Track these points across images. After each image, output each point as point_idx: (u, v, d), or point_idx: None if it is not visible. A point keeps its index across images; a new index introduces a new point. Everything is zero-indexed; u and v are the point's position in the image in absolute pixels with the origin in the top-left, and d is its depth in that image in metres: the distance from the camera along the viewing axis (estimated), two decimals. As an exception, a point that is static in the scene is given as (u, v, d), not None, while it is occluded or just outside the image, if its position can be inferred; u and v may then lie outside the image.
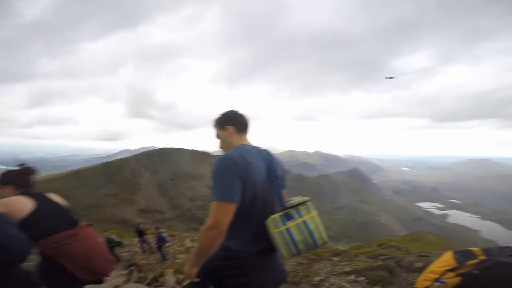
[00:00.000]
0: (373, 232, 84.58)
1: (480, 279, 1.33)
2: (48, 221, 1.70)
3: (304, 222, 1.47)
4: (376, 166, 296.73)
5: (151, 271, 6.73)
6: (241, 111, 1.76)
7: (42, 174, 63.33)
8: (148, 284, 5.63)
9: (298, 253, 1.46)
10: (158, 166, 79.91)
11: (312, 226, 1.47)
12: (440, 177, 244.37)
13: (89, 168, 71.80)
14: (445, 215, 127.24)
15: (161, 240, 9.37)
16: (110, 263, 2.02)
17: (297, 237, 1.43)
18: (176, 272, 6.06)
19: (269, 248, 1.50)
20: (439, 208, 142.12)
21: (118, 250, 9.51)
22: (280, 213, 1.48)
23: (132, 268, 6.91)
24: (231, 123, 1.68)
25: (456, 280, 1.40)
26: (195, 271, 1.46)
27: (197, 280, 1.50)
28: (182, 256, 9.99)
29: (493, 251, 1.41)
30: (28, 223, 1.60)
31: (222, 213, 1.34)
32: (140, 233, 10.42)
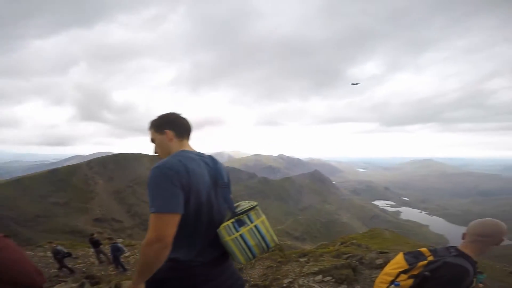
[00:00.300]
0: (335, 230, 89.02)
1: (430, 280, 1.42)
2: None
3: (256, 227, 1.47)
4: (334, 167, 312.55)
5: (107, 283, 6.30)
6: (183, 114, 1.61)
7: (-26, 183, 55.57)
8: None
9: (254, 257, 1.47)
10: (113, 173, 74.92)
11: (263, 230, 1.48)
12: (391, 177, 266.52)
13: (33, 175, 64.65)
14: (398, 212, 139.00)
15: (116, 250, 8.92)
16: (38, 273, 1.78)
17: (251, 242, 1.43)
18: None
19: (221, 256, 1.48)
20: (392, 206, 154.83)
21: (69, 262, 9.01)
22: (232, 220, 1.44)
23: (83, 280, 6.45)
24: (171, 126, 1.54)
25: (409, 282, 1.49)
26: (141, 287, 1.34)
27: None
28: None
29: (439, 252, 1.53)
30: None
31: (165, 225, 1.24)
32: (95, 244, 9.66)
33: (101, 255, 9.95)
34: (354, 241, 11.57)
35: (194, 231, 1.38)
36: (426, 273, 1.44)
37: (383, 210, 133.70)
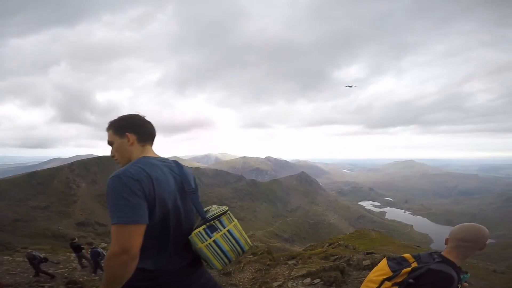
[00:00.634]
0: (323, 231, 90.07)
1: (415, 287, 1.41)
2: None
3: (229, 231, 1.45)
4: (320, 169, 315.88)
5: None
6: (147, 117, 1.53)
7: None
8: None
9: (230, 262, 1.45)
10: (96, 176, 72.68)
11: (236, 234, 1.46)
12: (375, 178, 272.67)
13: (11, 178, 61.70)
14: (383, 212, 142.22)
15: (97, 256, 8.69)
16: None
17: (226, 247, 1.41)
18: None
19: (193, 263, 1.46)
20: (377, 206, 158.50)
21: (50, 267, 8.74)
22: (204, 226, 1.41)
23: (65, 286, 6.22)
24: (133, 130, 1.45)
25: None
26: None
27: None
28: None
29: (423, 258, 1.51)
30: None
31: (129, 237, 1.19)
32: (76, 249, 9.31)
33: (84, 260, 9.64)
34: (342, 242, 11.73)
35: (162, 239, 1.34)
36: (410, 280, 1.42)
37: (369, 211, 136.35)
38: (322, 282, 5.64)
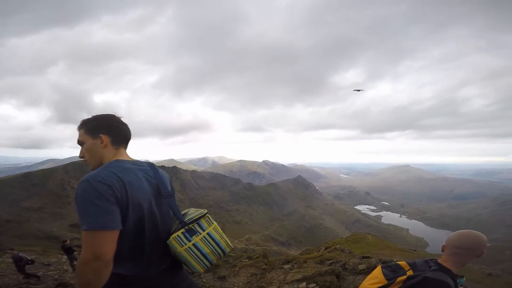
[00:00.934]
0: (320, 235, 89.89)
1: None
2: None
3: (209, 234, 1.41)
4: (317, 173, 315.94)
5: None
6: (122, 118, 1.44)
7: None
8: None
9: (211, 264, 1.43)
10: (93, 177, 72.36)
11: (217, 237, 1.43)
12: (371, 182, 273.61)
13: (4, 178, 60.97)
14: (379, 216, 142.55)
15: None
16: None
17: (206, 250, 1.38)
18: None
19: (172, 267, 1.43)
20: (373, 210, 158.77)
21: (41, 269, 8.66)
22: (182, 230, 1.37)
23: None
24: (108, 131, 1.37)
25: None
26: None
27: None
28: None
29: (418, 266, 1.46)
30: None
31: (100, 243, 1.19)
32: (68, 251, 9.14)
33: (75, 262, 9.47)
34: (338, 246, 11.65)
35: (137, 244, 1.29)
36: None
37: (365, 215, 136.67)
38: (317, 287, 5.57)
